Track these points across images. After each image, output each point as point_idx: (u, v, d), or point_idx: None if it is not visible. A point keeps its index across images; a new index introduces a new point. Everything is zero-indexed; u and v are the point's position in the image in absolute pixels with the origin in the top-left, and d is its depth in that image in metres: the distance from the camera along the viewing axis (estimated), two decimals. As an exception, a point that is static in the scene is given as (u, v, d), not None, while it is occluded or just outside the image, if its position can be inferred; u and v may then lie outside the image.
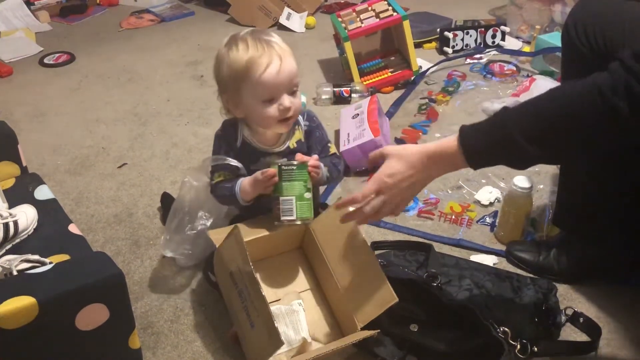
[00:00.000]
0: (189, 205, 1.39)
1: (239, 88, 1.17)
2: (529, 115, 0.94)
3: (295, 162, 1.17)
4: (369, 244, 1.18)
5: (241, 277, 1.11)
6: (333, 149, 1.32)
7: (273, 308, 1.14)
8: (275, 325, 1.01)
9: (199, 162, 1.82)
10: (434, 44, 2.56)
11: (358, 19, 2.22)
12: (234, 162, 1.24)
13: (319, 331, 1.21)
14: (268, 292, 1.22)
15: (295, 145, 1.26)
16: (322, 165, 1.23)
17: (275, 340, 1.01)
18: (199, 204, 1.39)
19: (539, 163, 1.00)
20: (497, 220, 1.51)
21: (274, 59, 1.14)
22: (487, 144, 0.96)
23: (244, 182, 1.22)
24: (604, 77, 0.88)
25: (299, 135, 1.27)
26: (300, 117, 1.27)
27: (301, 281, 1.27)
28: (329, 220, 1.21)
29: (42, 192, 1.31)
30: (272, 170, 1.17)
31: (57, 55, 2.67)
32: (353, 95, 2.14)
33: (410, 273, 1.23)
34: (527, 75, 2.21)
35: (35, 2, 3.19)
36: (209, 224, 1.38)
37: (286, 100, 1.17)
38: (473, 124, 0.99)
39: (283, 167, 1.16)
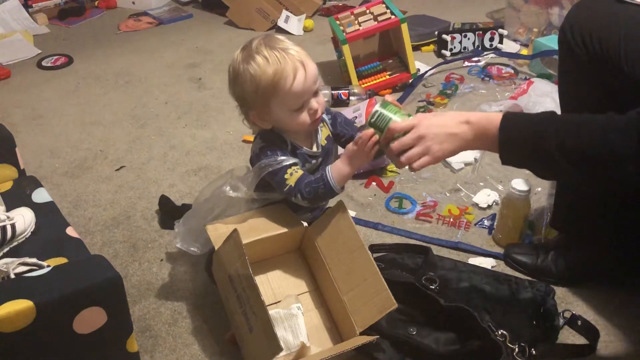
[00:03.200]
0: (217, 213, 1.30)
1: (268, 103, 1.15)
2: (571, 132, 0.95)
3: (377, 107, 1.11)
4: (367, 247, 1.17)
5: (240, 281, 1.11)
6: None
7: (272, 312, 1.14)
8: (275, 331, 1.01)
9: (199, 164, 1.85)
10: (432, 46, 2.56)
11: (356, 22, 2.22)
12: (291, 159, 1.18)
13: (317, 335, 1.21)
14: (267, 293, 1.22)
15: (325, 142, 1.26)
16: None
17: (274, 346, 1.00)
18: (226, 211, 1.30)
19: (564, 178, 1.01)
20: (495, 223, 1.52)
21: (298, 67, 1.12)
22: (523, 152, 0.99)
23: (334, 167, 1.16)
24: None
25: (326, 131, 1.27)
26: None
27: (300, 283, 1.27)
28: (327, 223, 1.21)
29: (40, 195, 1.31)
30: (368, 131, 1.10)
31: (55, 57, 2.67)
32: (351, 98, 2.14)
33: (409, 276, 1.23)
34: (525, 78, 2.21)
35: (34, 5, 3.19)
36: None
37: (314, 103, 1.16)
38: (516, 116, 1.00)
39: (374, 118, 1.10)
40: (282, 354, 1.07)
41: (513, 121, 1.01)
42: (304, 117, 1.17)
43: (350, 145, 1.15)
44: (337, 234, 1.19)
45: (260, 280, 1.24)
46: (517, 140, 1.00)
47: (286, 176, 1.17)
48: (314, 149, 1.24)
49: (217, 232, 1.21)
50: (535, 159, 1.00)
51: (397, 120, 1.09)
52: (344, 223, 1.18)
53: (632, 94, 1.03)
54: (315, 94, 1.17)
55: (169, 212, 1.59)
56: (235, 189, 1.27)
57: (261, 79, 1.13)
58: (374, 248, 1.40)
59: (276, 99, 1.14)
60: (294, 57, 1.13)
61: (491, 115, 1.03)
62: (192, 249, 1.32)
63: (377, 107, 1.11)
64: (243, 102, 1.19)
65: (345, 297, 1.16)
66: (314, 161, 1.24)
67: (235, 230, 1.12)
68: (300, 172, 1.18)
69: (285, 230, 1.21)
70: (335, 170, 1.16)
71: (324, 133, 1.26)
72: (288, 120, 1.17)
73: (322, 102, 1.19)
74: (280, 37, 1.18)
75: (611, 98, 1.06)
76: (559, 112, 1.39)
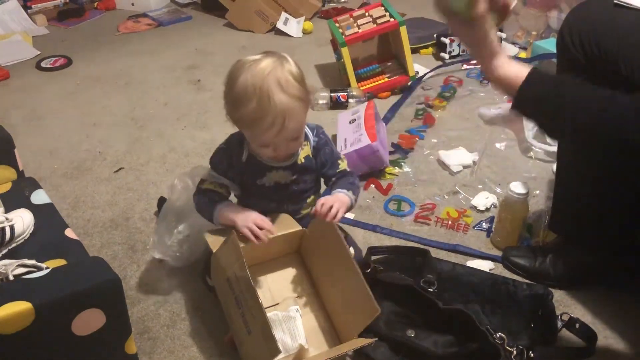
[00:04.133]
0: (178, 209, 1.40)
1: (240, 126, 1.16)
2: (585, 100, 0.99)
3: None
4: (351, 255, 1.17)
5: (238, 284, 1.11)
6: (343, 165, 1.29)
7: (270, 314, 1.14)
8: (273, 333, 1.01)
9: (192, 166, 1.85)
10: (430, 49, 2.57)
11: (355, 25, 2.23)
12: (225, 182, 1.24)
13: (315, 337, 1.20)
14: (265, 296, 1.22)
15: (303, 160, 1.24)
16: (344, 192, 1.22)
17: (272, 349, 1.01)
18: (189, 207, 1.38)
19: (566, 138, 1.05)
20: (494, 226, 1.52)
21: (277, 120, 1.08)
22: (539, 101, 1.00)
23: (225, 210, 1.22)
24: None
25: (307, 150, 1.25)
26: (309, 132, 1.24)
27: (298, 286, 1.27)
28: (319, 228, 1.21)
29: (39, 197, 1.31)
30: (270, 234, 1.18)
31: (54, 59, 2.66)
32: (350, 100, 2.14)
33: (407, 278, 1.23)
34: (524, 81, 2.21)
35: (33, 6, 3.18)
36: (196, 227, 1.38)
37: (282, 148, 1.15)
38: (543, 74, 1.02)
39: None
40: (280, 356, 1.07)
41: (538, 76, 1.02)
42: (268, 152, 1.16)
43: (252, 227, 1.17)
44: (325, 240, 1.20)
45: (259, 282, 1.25)
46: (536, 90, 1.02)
47: (205, 183, 1.26)
48: (286, 162, 1.23)
49: (215, 237, 1.21)
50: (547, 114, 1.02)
51: None
52: (328, 229, 1.18)
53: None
54: (294, 139, 1.15)
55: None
56: (185, 183, 1.41)
57: (242, 110, 1.09)
58: (372, 250, 1.40)
59: (246, 131, 1.15)
60: (280, 109, 1.07)
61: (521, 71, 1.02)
62: (168, 258, 1.39)
63: None
64: (226, 103, 1.15)
65: (339, 301, 1.16)
66: (281, 172, 1.23)
67: (232, 233, 1.12)
68: (216, 187, 1.24)
69: (283, 233, 1.22)
70: (224, 213, 1.21)
71: (303, 152, 1.24)
72: (252, 144, 1.18)
73: (295, 146, 1.18)
74: (293, 71, 1.11)
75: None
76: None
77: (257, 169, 1.22)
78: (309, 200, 1.30)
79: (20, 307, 0.89)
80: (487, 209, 1.61)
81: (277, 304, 1.22)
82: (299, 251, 1.31)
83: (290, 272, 1.29)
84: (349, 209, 1.23)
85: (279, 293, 1.25)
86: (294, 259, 1.31)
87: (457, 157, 1.80)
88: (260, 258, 1.26)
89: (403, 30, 2.16)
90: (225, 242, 1.16)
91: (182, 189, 1.42)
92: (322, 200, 1.19)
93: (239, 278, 1.10)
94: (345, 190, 1.23)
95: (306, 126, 1.21)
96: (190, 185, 1.41)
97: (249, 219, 1.18)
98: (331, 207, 1.17)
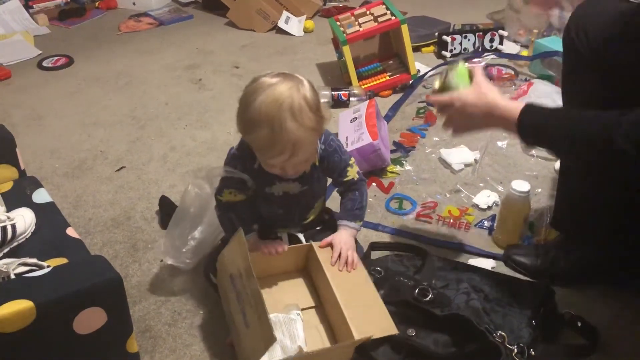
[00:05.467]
0: (192, 214, 1.39)
1: (251, 145, 1.14)
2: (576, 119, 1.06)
3: (448, 70, 1.20)
4: (369, 277, 1.19)
5: (240, 278, 1.11)
6: (352, 172, 1.26)
7: (271, 316, 1.14)
8: (269, 319, 1.00)
9: (199, 165, 1.85)
10: (432, 47, 2.57)
11: (356, 23, 2.22)
12: (244, 176, 1.21)
13: (315, 345, 1.18)
14: (267, 301, 1.21)
15: (310, 169, 1.22)
16: (347, 226, 1.26)
17: (267, 337, 0.99)
18: (202, 213, 1.38)
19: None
20: (495, 224, 1.52)
21: (287, 148, 1.07)
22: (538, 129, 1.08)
23: (252, 239, 1.23)
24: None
25: (314, 159, 1.22)
26: (317, 141, 1.21)
27: (304, 300, 1.26)
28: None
29: (40, 196, 1.31)
30: (282, 249, 1.22)
31: (55, 58, 2.67)
32: (351, 98, 2.14)
33: (405, 284, 1.22)
34: (525, 79, 2.21)
35: (34, 6, 3.19)
36: (210, 232, 1.38)
37: (290, 170, 1.15)
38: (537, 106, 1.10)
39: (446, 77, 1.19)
40: (278, 356, 1.07)
41: (532, 107, 1.09)
42: (276, 171, 1.16)
43: (270, 248, 1.22)
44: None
45: (264, 293, 1.23)
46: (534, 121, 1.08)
47: (223, 193, 1.23)
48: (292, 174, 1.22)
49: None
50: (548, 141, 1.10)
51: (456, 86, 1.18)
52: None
53: (635, 94, 1.03)
54: (303, 162, 1.15)
55: (169, 213, 1.59)
56: (200, 188, 1.37)
57: (255, 129, 1.08)
58: (374, 246, 1.40)
59: (255, 151, 1.14)
60: (291, 138, 1.06)
61: (514, 108, 1.10)
62: (181, 264, 1.39)
63: (448, 70, 1.20)
64: (238, 115, 1.13)
65: (348, 314, 1.14)
66: (290, 183, 1.22)
67: (239, 230, 1.13)
68: (238, 198, 1.23)
69: (290, 245, 1.24)
70: (255, 243, 1.23)
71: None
72: (260, 161, 1.17)
73: (303, 168, 1.18)
74: (309, 97, 1.08)
75: (615, 98, 1.06)
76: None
77: (267, 178, 1.21)
78: (316, 205, 1.30)
79: (21, 305, 0.89)
80: (489, 207, 1.61)
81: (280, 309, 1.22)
82: (306, 268, 1.31)
83: (296, 287, 1.28)
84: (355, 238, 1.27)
85: (281, 301, 1.23)
86: (301, 276, 1.31)
87: (459, 156, 1.80)
88: (267, 271, 1.25)
89: (404, 28, 2.15)
90: (232, 240, 1.17)
91: (196, 195, 1.40)
92: (335, 253, 1.23)
93: (242, 270, 1.10)
94: (350, 223, 1.26)
95: None
96: (207, 189, 1.38)
97: (263, 247, 1.23)
98: (347, 258, 1.22)
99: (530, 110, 1.08)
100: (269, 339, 1.00)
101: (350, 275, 1.21)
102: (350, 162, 1.26)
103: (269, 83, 1.08)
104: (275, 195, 1.23)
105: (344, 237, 1.25)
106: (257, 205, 1.25)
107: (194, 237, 1.38)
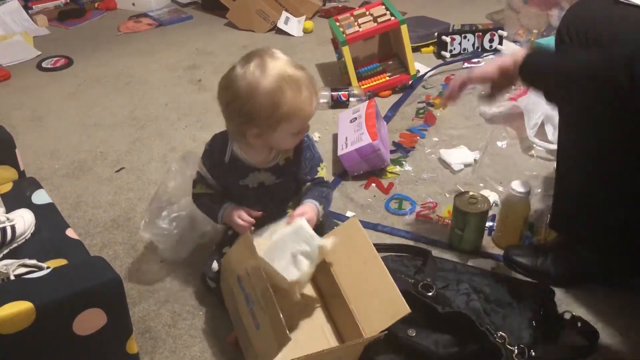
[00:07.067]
0: (171, 191, 1.42)
1: (278, 126, 1.14)
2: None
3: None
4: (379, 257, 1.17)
5: (249, 279, 1.11)
6: (322, 173, 1.32)
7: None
8: (281, 318, 0.99)
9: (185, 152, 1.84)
10: (431, 48, 2.56)
11: (356, 24, 2.22)
12: (208, 177, 1.29)
13: (320, 344, 1.18)
14: None
15: (284, 162, 1.27)
16: (315, 203, 1.25)
17: (281, 338, 0.99)
18: (182, 188, 1.41)
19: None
20: (495, 225, 1.52)
21: (312, 94, 1.15)
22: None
23: (228, 210, 1.27)
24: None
25: (288, 152, 1.27)
26: None
27: (309, 298, 1.26)
28: (339, 236, 1.20)
29: (40, 197, 1.31)
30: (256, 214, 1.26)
31: (55, 59, 2.67)
32: (351, 99, 2.14)
33: (407, 280, 1.22)
34: (525, 80, 2.21)
35: (34, 6, 3.19)
36: (188, 207, 1.40)
37: (303, 132, 1.21)
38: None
39: None
40: (306, 264, 1.11)
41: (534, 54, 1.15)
42: (295, 140, 1.21)
43: (243, 215, 1.25)
44: (349, 247, 1.19)
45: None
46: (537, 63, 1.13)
47: (197, 187, 1.33)
48: (268, 164, 1.26)
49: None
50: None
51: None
52: (359, 236, 1.19)
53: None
54: (302, 132, 1.23)
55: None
56: (182, 169, 1.45)
57: (286, 106, 1.11)
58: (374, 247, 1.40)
59: (288, 123, 1.14)
60: (309, 83, 1.14)
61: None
62: (157, 238, 1.40)
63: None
64: (246, 119, 1.14)
65: (355, 307, 1.14)
66: (263, 173, 1.26)
67: (247, 231, 1.14)
68: (210, 191, 1.31)
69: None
70: (227, 213, 1.27)
71: (284, 154, 1.27)
72: (283, 142, 1.20)
73: (297, 140, 1.24)
74: (279, 55, 1.17)
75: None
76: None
77: (241, 169, 1.25)
78: (290, 204, 1.34)
79: (21, 307, 0.89)
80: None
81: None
82: None
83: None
84: (316, 222, 1.26)
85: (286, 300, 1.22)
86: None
87: (459, 156, 1.80)
88: None
89: (404, 28, 2.15)
90: (236, 242, 1.17)
91: (176, 171, 1.45)
92: (299, 210, 1.23)
93: (250, 270, 1.09)
94: (315, 202, 1.26)
95: None
96: (185, 170, 1.44)
97: (235, 214, 1.26)
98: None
99: (536, 51, 1.14)
100: (283, 339, 0.99)
101: (353, 259, 1.19)
102: (322, 164, 1.32)
103: (250, 66, 1.13)
104: (250, 188, 1.27)
105: (306, 207, 1.25)
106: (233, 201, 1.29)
107: (172, 209, 1.40)
